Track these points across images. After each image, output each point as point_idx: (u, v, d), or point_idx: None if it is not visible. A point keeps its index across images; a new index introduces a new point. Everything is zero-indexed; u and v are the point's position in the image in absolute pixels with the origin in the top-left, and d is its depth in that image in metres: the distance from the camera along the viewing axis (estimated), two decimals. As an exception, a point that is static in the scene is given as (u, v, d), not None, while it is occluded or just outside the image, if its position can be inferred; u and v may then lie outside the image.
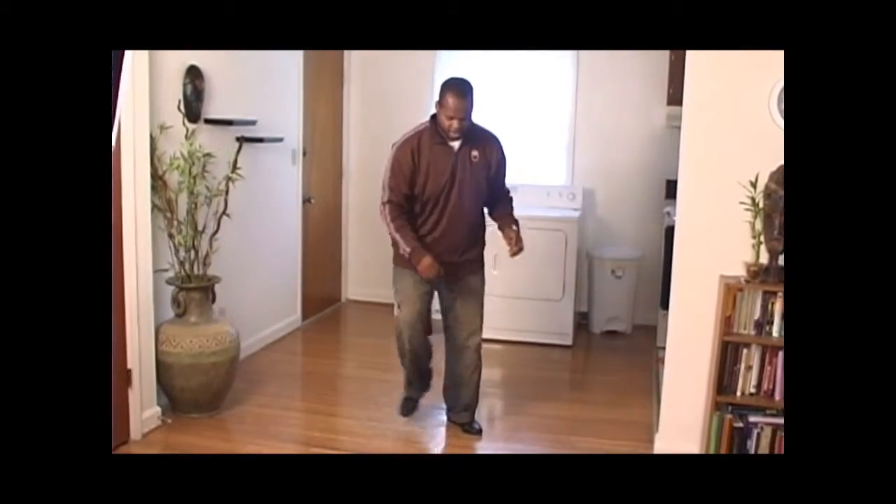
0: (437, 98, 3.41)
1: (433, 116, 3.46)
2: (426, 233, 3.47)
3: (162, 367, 3.60)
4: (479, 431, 3.72)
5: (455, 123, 3.36)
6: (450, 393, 3.77)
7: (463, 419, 3.73)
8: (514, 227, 3.53)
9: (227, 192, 3.88)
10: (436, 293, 3.64)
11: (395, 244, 3.49)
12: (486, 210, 3.66)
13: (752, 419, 3.20)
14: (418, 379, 3.81)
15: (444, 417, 3.84)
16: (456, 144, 3.44)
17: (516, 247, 3.50)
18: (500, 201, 3.66)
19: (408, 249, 3.39)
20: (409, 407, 3.88)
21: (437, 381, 3.86)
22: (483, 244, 3.67)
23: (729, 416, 3.23)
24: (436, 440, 3.75)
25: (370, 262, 6.00)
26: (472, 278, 3.61)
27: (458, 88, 3.36)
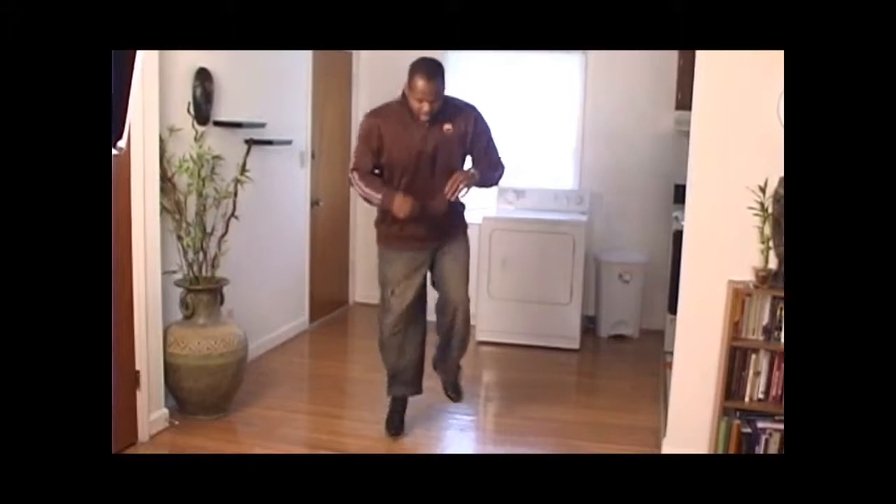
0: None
1: (403, 94, 3.35)
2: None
3: (170, 369, 3.61)
4: (459, 394, 3.77)
5: (425, 107, 3.26)
6: (439, 351, 3.76)
7: (444, 376, 3.77)
8: (470, 173, 3.35)
9: (235, 195, 3.89)
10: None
11: (368, 200, 3.42)
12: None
13: (760, 425, 3.19)
14: (411, 371, 3.66)
15: (451, 420, 3.85)
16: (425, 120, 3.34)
17: (450, 189, 3.28)
18: (488, 174, 3.49)
19: (378, 196, 3.33)
20: (397, 421, 3.68)
21: (436, 384, 3.86)
22: (462, 213, 3.60)
23: (737, 421, 3.22)
24: (442, 442, 3.75)
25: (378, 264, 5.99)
26: (454, 245, 3.54)
27: (427, 70, 3.23)
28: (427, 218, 3.40)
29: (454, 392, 3.79)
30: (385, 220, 3.50)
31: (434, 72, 3.25)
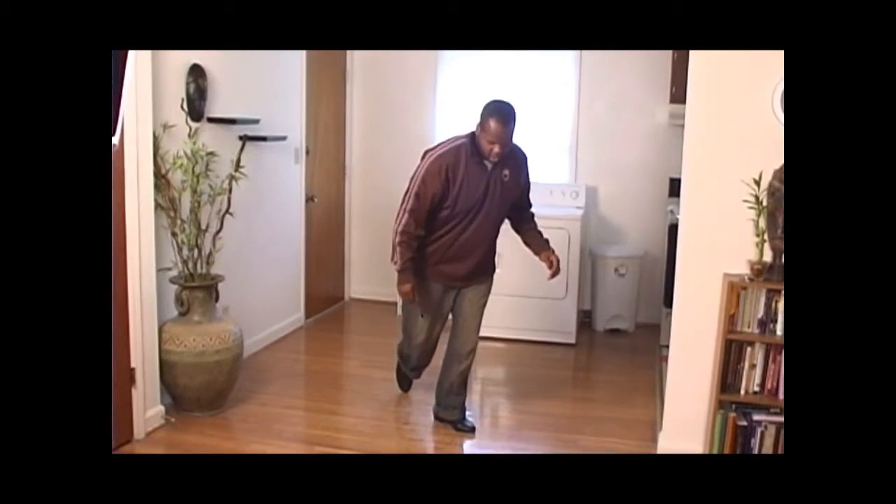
0: (479, 121, 3.32)
1: (472, 135, 3.37)
2: (447, 242, 3.46)
3: (165, 366, 3.60)
4: (472, 429, 3.73)
5: (496, 149, 3.29)
6: (442, 391, 3.78)
7: (453, 416, 3.75)
8: (554, 254, 3.65)
9: (230, 191, 3.88)
10: None
11: (393, 250, 3.46)
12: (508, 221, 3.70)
13: (755, 417, 3.20)
14: (421, 368, 3.99)
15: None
16: (490, 164, 3.39)
17: (557, 272, 3.64)
18: (524, 216, 3.71)
19: (398, 265, 3.42)
20: (407, 383, 4.09)
21: (432, 378, 3.87)
22: (494, 257, 3.67)
23: (733, 414, 3.22)
24: (440, 439, 3.74)
25: (373, 260, 6.00)
26: (480, 286, 3.64)
27: (502, 114, 3.27)
28: (462, 257, 3.49)
29: (468, 428, 3.74)
30: (432, 253, 3.50)
31: (510, 117, 3.28)
